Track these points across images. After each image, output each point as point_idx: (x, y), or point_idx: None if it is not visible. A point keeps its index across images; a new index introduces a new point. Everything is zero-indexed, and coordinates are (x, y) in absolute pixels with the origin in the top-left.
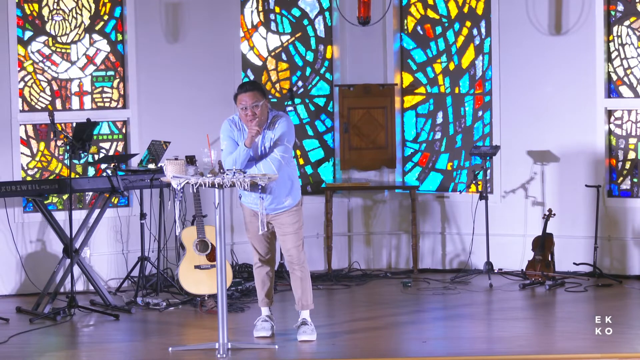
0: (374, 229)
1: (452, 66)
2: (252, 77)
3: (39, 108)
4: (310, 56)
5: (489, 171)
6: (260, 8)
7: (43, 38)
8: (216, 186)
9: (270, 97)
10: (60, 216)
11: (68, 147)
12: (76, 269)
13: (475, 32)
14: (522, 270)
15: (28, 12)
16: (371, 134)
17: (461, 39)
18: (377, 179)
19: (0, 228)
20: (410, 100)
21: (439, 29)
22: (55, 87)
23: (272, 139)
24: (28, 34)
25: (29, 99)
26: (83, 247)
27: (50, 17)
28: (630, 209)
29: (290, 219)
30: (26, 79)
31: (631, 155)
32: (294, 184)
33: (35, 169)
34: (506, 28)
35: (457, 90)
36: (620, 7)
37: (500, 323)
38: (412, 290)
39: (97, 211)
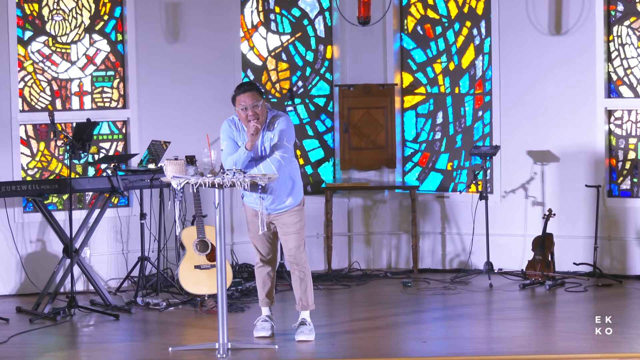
0: (374, 229)
1: (452, 66)
2: (252, 77)
3: (39, 108)
4: (310, 56)
5: (489, 171)
6: (260, 8)
7: (43, 38)
8: (216, 186)
9: (270, 97)
10: (60, 216)
11: (68, 147)
12: (76, 269)
13: (475, 32)
14: (522, 270)
15: (28, 12)
16: (371, 134)
17: (461, 39)
18: (377, 179)
19: (0, 228)
20: (410, 100)
21: (439, 29)
22: (55, 87)
23: (272, 139)
24: (28, 34)
25: (29, 99)
26: (83, 247)
27: (50, 17)
28: (630, 209)
29: (292, 219)
30: (26, 79)
31: (631, 155)
32: (296, 184)
33: (35, 169)
34: (506, 28)
35: (457, 90)
36: (620, 7)
37: (500, 323)
38: (412, 290)
39: (97, 211)
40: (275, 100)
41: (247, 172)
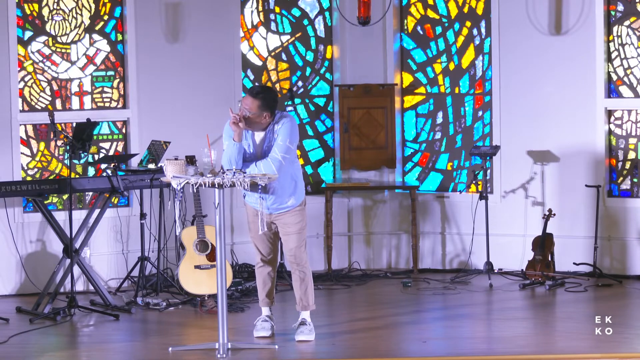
0: (374, 229)
1: (452, 66)
2: (252, 77)
3: (39, 108)
4: (310, 56)
5: (489, 171)
6: (260, 8)
7: (43, 38)
8: (216, 186)
9: None
10: (60, 216)
11: (68, 147)
12: (76, 269)
13: (475, 32)
14: (522, 270)
15: (28, 12)
16: (371, 134)
17: (461, 39)
18: (377, 179)
19: (0, 228)
20: (410, 100)
21: (439, 29)
22: (55, 87)
23: (275, 139)
24: (28, 34)
25: (29, 99)
26: (83, 247)
27: (50, 17)
28: (630, 209)
29: (293, 219)
30: (26, 79)
31: (631, 155)
32: (297, 185)
33: (35, 169)
34: (506, 28)
35: (457, 90)
36: (620, 7)
37: (500, 323)
38: (412, 290)
39: (97, 211)
40: None
41: (247, 172)
